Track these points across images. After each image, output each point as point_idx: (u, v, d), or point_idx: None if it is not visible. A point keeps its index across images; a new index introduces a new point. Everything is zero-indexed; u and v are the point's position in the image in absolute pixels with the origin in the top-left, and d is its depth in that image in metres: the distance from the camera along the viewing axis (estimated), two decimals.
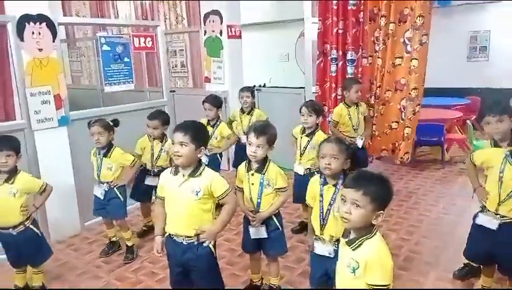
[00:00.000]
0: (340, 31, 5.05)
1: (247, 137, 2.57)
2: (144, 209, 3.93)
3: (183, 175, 2.21)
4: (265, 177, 2.56)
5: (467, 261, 3.00)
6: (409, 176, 5.34)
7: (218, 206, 2.34)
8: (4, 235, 2.74)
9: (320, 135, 3.50)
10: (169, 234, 2.29)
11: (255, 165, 2.58)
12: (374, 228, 1.70)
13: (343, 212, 1.67)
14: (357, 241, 1.68)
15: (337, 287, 1.84)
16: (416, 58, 4.64)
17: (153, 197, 3.59)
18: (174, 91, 5.43)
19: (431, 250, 3.45)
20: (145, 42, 4.48)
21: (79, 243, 3.80)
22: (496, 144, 2.69)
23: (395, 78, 4.82)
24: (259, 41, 6.41)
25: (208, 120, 4.17)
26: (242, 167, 2.66)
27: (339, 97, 5.14)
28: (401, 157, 4.89)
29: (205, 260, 2.27)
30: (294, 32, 6.04)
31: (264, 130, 2.51)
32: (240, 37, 5.47)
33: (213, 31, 5.37)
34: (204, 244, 2.24)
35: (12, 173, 2.69)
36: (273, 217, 2.65)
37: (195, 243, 2.24)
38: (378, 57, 4.91)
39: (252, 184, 2.59)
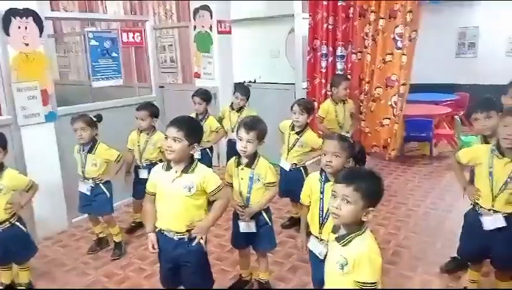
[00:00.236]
0: (330, 27, 5.07)
1: (237, 132, 2.56)
2: (136, 205, 3.89)
3: (176, 171, 2.20)
4: (255, 172, 2.56)
5: (454, 255, 3.03)
6: (397, 171, 5.38)
7: (210, 202, 2.33)
8: None
9: (309, 134, 3.51)
10: (160, 230, 2.28)
11: (244, 160, 2.58)
12: (364, 224, 1.70)
13: (333, 207, 1.67)
14: (346, 238, 1.68)
15: (325, 283, 1.83)
16: (405, 54, 4.67)
17: None
18: (163, 87, 5.40)
19: (419, 245, 3.48)
20: (133, 37, 4.46)
21: (66, 240, 3.77)
22: (485, 140, 2.68)
23: (385, 75, 4.84)
24: (249, 37, 6.38)
25: (197, 114, 4.15)
26: (232, 162, 2.66)
27: (329, 93, 5.14)
28: (389, 154, 4.93)
29: (196, 256, 2.27)
30: (284, 28, 6.03)
31: (254, 125, 2.51)
32: (230, 32, 5.44)
33: (203, 26, 5.34)
34: (195, 241, 2.23)
35: None
36: (263, 212, 2.65)
37: (186, 238, 2.23)
38: (368, 53, 4.92)
39: (242, 179, 2.59)
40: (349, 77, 4.82)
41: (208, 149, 4.25)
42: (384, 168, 5.45)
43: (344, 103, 4.19)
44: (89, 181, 3.31)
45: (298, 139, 3.50)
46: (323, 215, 2.22)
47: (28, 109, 3.56)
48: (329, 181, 2.21)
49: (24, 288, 2.93)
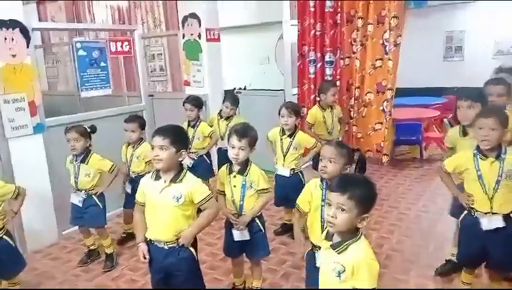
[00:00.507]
0: (318, 33, 5.10)
1: (228, 140, 2.56)
2: (127, 216, 3.86)
3: (165, 181, 2.19)
4: (248, 179, 2.56)
5: (448, 258, 3.04)
6: (388, 175, 5.40)
7: (200, 212, 2.32)
8: None
9: (301, 135, 3.54)
10: (150, 240, 2.26)
11: (236, 168, 2.57)
12: (359, 231, 1.69)
13: (329, 216, 1.66)
14: (343, 245, 1.67)
15: None
16: (391, 60, 4.71)
17: None
18: (152, 95, 5.37)
19: (412, 248, 3.49)
20: (122, 46, 4.43)
21: (57, 252, 3.71)
22: (464, 130, 2.71)
23: (376, 80, 4.87)
24: (239, 44, 6.40)
25: (189, 121, 4.15)
26: (223, 170, 2.65)
27: (318, 99, 5.16)
28: (381, 159, 4.96)
29: (187, 264, 2.26)
30: (274, 35, 6.05)
31: (246, 132, 2.52)
32: (218, 40, 5.45)
33: (191, 34, 5.34)
34: (184, 247, 2.21)
35: None
36: (256, 219, 2.64)
37: (177, 247, 2.21)
38: (357, 58, 4.96)
39: (234, 186, 2.58)
40: (337, 83, 4.85)
41: (205, 156, 4.24)
42: (375, 172, 5.47)
43: (332, 109, 4.20)
44: (81, 192, 3.27)
45: (291, 142, 3.50)
46: (325, 223, 2.18)
47: (16, 120, 3.52)
48: None
49: None
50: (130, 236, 3.75)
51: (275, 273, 3.17)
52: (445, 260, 3.07)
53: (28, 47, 3.60)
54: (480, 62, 7.58)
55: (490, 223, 2.38)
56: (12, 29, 3.47)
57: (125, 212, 3.85)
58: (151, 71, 7.13)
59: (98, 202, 3.31)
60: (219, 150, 4.37)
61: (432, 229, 3.81)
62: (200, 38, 5.27)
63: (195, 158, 4.16)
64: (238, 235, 2.62)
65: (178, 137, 2.22)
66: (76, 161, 3.25)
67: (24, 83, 3.58)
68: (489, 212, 2.38)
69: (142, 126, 3.64)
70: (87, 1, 7.76)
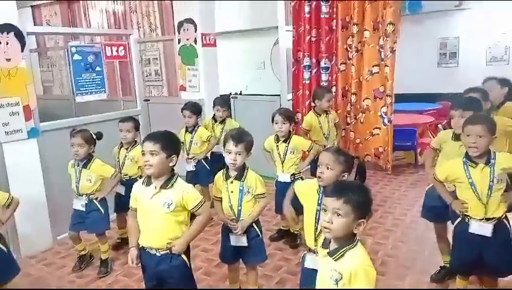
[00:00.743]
0: (313, 39, 5.12)
1: (224, 146, 2.56)
2: (120, 221, 3.84)
3: (155, 187, 2.18)
4: (245, 184, 2.56)
5: (443, 264, 3.04)
6: (384, 181, 5.41)
7: (193, 216, 2.31)
8: None
9: (296, 138, 3.57)
10: (143, 247, 2.25)
11: (233, 173, 2.56)
12: (356, 237, 1.69)
13: (325, 222, 1.65)
14: (339, 252, 1.66)
15: None
16: (387, 66, 4.74)
17: None
18: (148, 100, 5.37)
19: (407, 254, 3.49)
20: (117, 51, 4.42)
21: (51, 258, 3.68)
22: (456, 137, 2.73)
23: (373, 86, 4.90)
24: (235, 49, 6.41)
25: (187, 127, 4.16)
26: (219, 176, 2.64)
27: (313, 104, 5.18)
28: (384, 165, 4.98)
29: (179, 271, 2.25)
30: (269, 40, 6.06)
31: (242, 137, 2.52)
32: (214, 45, 5.46)
33: (187, 39, 5.35)
34: (176, 255, 2.21)
35: None
36: (254, 224, 2.64)
37: (169, 254, 2.21)
38: (352, 64, 4.98)
39: (232, 192, 2.57)
40: (332, 89, 4.87)
41: (204, 162, 4.23)
42: (370, 178, 5.47)
43: (327, 114, 4.21)
44: (83, 197, 3.25)
45: (287, 146, 3.50)
46: (318, 226, 2.20)
47: (10, 125, 3.51)
48: None
49: None
50: (124, 241, 3.72)
51: (271, 280, 3.16)
52: (440, 267, 3.08)
53: (22, 51, 3.59)
54: (474, 68, 7.63)
55: (480, 228, 2.39)
56: (7, 33, 3.47)
57: (117, 217, 3.83)
58: (147, 76, 7.12)
59: (100, 207, 3.29)
60: (212, 154, 4.36)
61: (427, 234, 3.80)
62: (196, 43, 5.28)
63: (194, 164, 4.17)
64: (236, 240, 2.61)
65: (169, 142, 2.21)
66: (78, 165, 3.23)
67: (19, 87, 3.56)
68: (483, 218, 2.38)
69: (137, 127, 3.63)
70: (83, 6, 7.76)
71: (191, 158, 4.18)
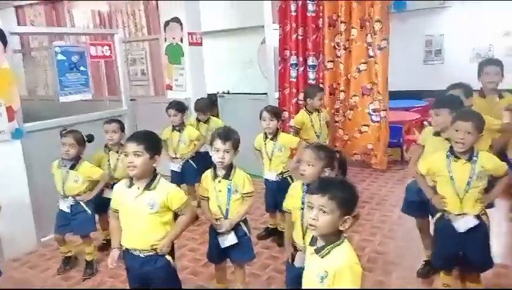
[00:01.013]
0: (300, 37, 5.13)
1: (212, 144, 2.54)
2: (102, 223, 3.78)
3: (138, 188, 2.16)
4: (233, 183, 2.54)
5: (427, 259, 3.06)
6: (370, 178, 5.43)
7: (177, 216, 2.29)
8: None
9: (284, 136, 3.57)
10: (127, 248, 2.23)
11: (221, 172, 2.55)
12: (342, 234, 1.69)
13: (310, 219, 1.65)
14: (325, 249, 1.66)
15: None
16: (377, 63, 4.77)
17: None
18: (134, 100, 5.33)
19: (394, 250, 3.51)
20: (102, 51, 4.38)
21: (35, 260, 3.63)
22: (437, 133, 2.78)
23: (360, 84, 4.92)
24: (222, 48, 6.40)
25: (173, 126, 4.12)
26: (207, 175, 2.62)
27: (300, 102, 5.20)
28: (375, 163, 5.02)
29: (164, 272, 2.23)
30: (256, 39, 6.07)
31: (229, 135, 2.51)
32: (201, 44, 5.44)
33: (173, 38, 5.31)
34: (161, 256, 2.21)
35: None
36: (241, 223, 2.63)
37: (153, 255, 2.19)
38: (341, 62, 5.00)
39: (220, 191, 2.55)
40: (322, 87, 4.88)
41: (191, 161, 4.20)
42: (357, 175, 5.50)
43: (318, 112, 4.21)
44: (69, 199, 3.20)
45: (275, 144, 3.50)
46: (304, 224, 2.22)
47: None
48: None
49: None
50: (110, 243, 3.67)
51: (258, 278, 3.16)
52: (424, 261, 3.10)
53: (5, 52, 3.53)
54: (459, 65, 7.70)
55: (466, 224, 2.41)
56: None
57: (99, 218, 3.73)
58: (133, 75, 7.06)
59: (86, 208, 3.25)
60: (198, 153, 4.33)
61: (415, 230, 3.80)
62: (182, 42, 5.25)
63: (181, 164, 4.14)
64: (223, 240, 2.59)
65: (152, 143, 2.20)
66: (65, 166, 3.19)
67: (1, 88, 3.51)
68: (460, 214, 2.41)
69: (122, 128, 3.59)
70: (67, 5, 7.67)
71: (178, 158, 4.15)
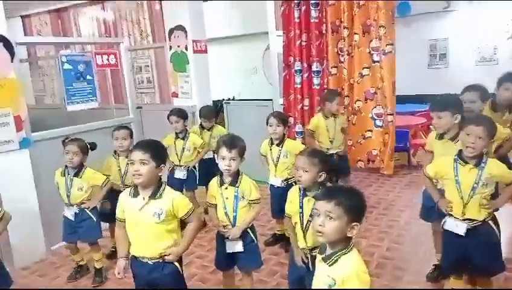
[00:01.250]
0: (304, 43, 5.15)
1: (217, 152, 2.55)
2: (112, 230, 3.79)
3: (144, 198, 2.16)
4: (240, 189, 2.55)
5: (437, 263, 3.05)
6: (378, 183, 5.42)
7: (184, 224, 2.30)
8: None
9: (290, 142, 3.56)
10: (134, 255, 2.24)
11: (228, 179, 2.55)
12: (350, 242, 1.68)
13: (317, 225, 1.65)
14: (333, 257, 1.66)
15: None
16: (382, 68, 4.77)
17: None
18: (141, 107, 5.36)
19: (402, 255, 3.50)
20: (108, 59, 4.42)
21: (45, 269, 3.65)
22: (441, 136, 2.77)
23: (364, 88, 4.93)
24: (227, 55, 6.43)
25: (177, 133, 4.12)
26: (214, 182, 2.62)
27: (305, 108, 5.22)
28: (382, 167, 5.00)
29: (172, 279, 2.24)
30: (261, 45, 6.10)
31: (235, 143, 2.52)
32: (205, 51, 5.47)
33: (178, 46, 5.35)
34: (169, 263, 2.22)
35: None
36: (248, 229, 2.63)
37: (161, 262, 2.20)
38: (344, 68, 5.01)
39: (227, 198, 2.56)
40: (340, 91, 4.89)
41: (193, 168, 4.22)
42: (364, 180, 5.49)
43: (335, 117, 4.19)
44: (73, 207, 3.22)
45: (281, 150, 3.50)
46: (304, 227, 2.28)
47: (1, 136, 3.48)
48: (307, 196, 2.27)
49: None
50: None
51: (266, 285, 3.15)
52: (433, 265, 3.08)
53: (12, 61, 3.57)
54: (464, 69, 7.72)
55: (454, 226, 2.42)
56: None
57: (110, 226, 3.74)
58: (139, 83, 7.12)
59: (91, 215, 3.26)
60: (201, 160, 4.34)
61: (422, 235, 3.81)
62: (187, 50, 5.29)
63: (186, 171, 4.15)
64: (231, 246, 2.59)
65: (158, 152, 2.21)
66: (68, 174, 3.21)
67: (9, 97, 3.54)
68: (462, 219, 2.40)
69: (131, 135, 3.61)
70: (73, 15, 7.75)
71: (182, 165, 4.15)
